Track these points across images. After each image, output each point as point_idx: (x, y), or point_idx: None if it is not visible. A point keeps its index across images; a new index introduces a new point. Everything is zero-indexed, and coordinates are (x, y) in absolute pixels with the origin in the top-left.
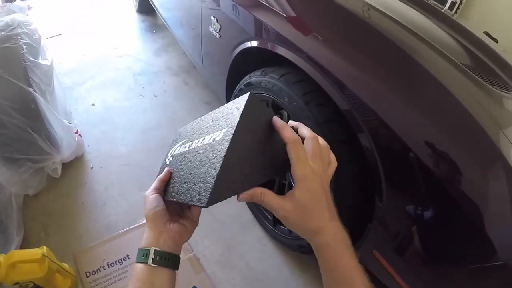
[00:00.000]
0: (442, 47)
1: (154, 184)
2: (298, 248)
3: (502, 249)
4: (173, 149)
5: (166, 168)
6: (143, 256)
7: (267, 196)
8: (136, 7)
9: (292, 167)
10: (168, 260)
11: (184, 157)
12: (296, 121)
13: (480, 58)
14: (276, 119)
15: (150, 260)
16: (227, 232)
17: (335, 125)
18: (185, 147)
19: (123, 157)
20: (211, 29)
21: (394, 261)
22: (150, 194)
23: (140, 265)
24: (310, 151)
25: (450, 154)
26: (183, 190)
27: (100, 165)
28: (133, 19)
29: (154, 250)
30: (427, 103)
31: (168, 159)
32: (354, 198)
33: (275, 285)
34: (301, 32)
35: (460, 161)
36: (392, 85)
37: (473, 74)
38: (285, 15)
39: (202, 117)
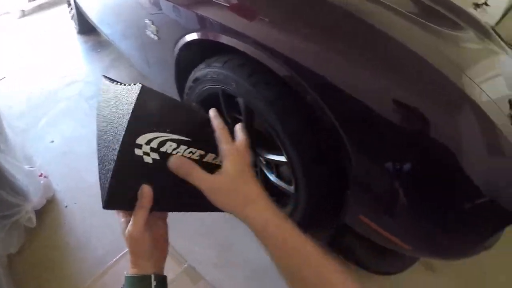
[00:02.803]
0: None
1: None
2: None
3: (484, 186)
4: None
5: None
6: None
7: (196, 169)
8: (77, 29)
9: (219, 146)
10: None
11: (100, 139)
12: (249, 103)
13: (427, 4)
14: (211, 111)
15: None
16: (217, 234)
17: (286, 101)
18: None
19: (94, 186)
20: (148, 32)
21: (382, 221)
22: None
23: None
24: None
25: (413, 105)
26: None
27: (73, 202)
28: (75, 42)
29: (155, 275)
30: (379, 58)
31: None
32: (324, 169)
33: (269, 272)
34: (245, 18)
35: (425, 109)
36: (337, 47)
37: (422, 20)
38: (227, 4)
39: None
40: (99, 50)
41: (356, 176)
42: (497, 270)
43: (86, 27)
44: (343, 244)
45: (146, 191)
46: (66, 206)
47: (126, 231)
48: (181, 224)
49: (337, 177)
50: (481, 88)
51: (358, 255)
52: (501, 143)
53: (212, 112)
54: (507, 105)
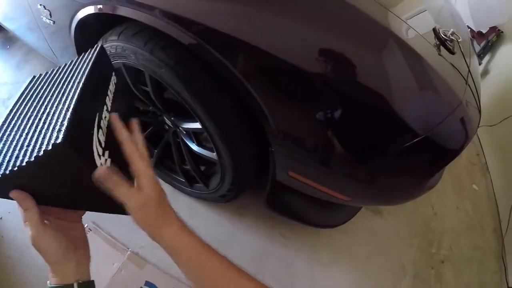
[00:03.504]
0: None
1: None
2: (222, 198)
3: (418, 124)
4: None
5: None
6: None
7: (122, 185)
8: None
9: (130, 162)
10: None
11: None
12: (153, 73)
13: None
14: (113, 119)
15: None
16: None
17: (187, 63)
18: None
19: None
20: (43, 18)
21: (312, 174)
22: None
23: None
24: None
25: (338, 50)
26: None
27: (7, 211)
28: None
29: (78, 284)
30: (294, 4)
31: None
32: (242, 130)
33: (222, 241)
34: None
35: (348, 53)
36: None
37: None
38: None
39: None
40: (8, 46)
41: (275, 131)
42: (445, 204)
43: None
44: (281, 203)
45: (17, 196)
46: (1, 218)
47: (30, 239)
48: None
49: (258, 136)
50: (407, 24)
51: (299, 212)
52: (430, 76)
53: (112, 118)
54: (433, 35)
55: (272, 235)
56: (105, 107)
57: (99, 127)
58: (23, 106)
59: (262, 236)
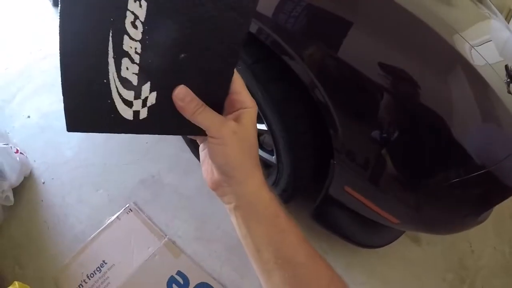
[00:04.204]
0: None
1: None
2: None
3: (479, 156)
4: None
5: None
6: None
7: (206, 109)
8: (51, 2)
9: (235, 92)
10: None
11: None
12: None
13: None
14: None
15: None
16: (196, 206)
17: (265, 64)
18: None
19: (72, 161)
20: None
21: (368, 192)
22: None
23: None
24: None
25: (401, 67)
26: None
27: (51, 177)
28: (50, 15)
29: None
30: (368, 18)
31: None
32: (308, 138)
33: None
34: None
35: (414, 72)
36: (324, 6)
37: None
38: None
39: None
40: None
41: (341, 144)
42: (484, 242)
43: None
44: (328, 216)
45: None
46: (43, 183)
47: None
48: (159, 198)
49: (322, 146)
50: (476, 50)
51: (343, 228)
52: (497, 109)
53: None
54: (504, 71)
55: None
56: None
57: (119, 61)
58: None
59: None
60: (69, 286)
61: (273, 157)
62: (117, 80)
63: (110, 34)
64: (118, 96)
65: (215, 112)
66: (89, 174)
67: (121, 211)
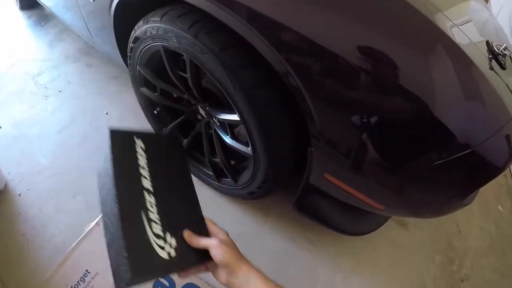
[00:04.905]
0: None
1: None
2: (249, 195)
3: (463, 136)
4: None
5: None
6: None
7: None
8: (18, 5)
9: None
10: None
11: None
12: (194, 58)
13: None
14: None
15: None
16: None
17: (233, 50)
18: None
19: (47, 170)
20: None
21: (350, 179)
22: None
23: None
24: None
25: (380, 48)
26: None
27: (27, 188)
28: (18, 19)
29: None
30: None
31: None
32: (283, 126)
33: (245, 239)
34: None
35: (394, 53)
36: None
37: None
38: None
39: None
40: (43, 23)
41: (318, 131)
42: (470, 223)
43: (27, 2)
44: (311, 206)
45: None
46: (19, 194)
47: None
48: None
49: (297, 134)
50: (459, 29)
51: (327, 217)
52: (481, 86)
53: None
54: (485, 47)
55: (296, 238)
56: (145, 194)
57: (150, 224)
58: None
59: (286, 238)
60: None
61: (249, 148)
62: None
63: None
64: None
65: (207, 237)
66: (65, 181)
67: (100, 216)
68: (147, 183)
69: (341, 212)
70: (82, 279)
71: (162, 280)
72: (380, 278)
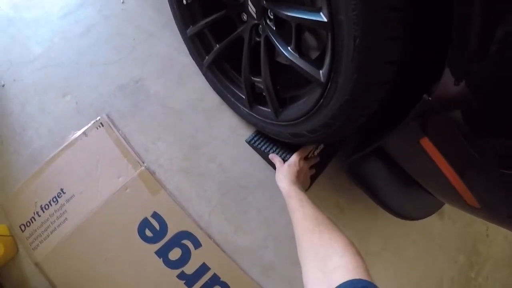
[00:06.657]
0: None
1: None
2: (291, 137)
3: None
4: None
5: None
6: None
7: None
8: None
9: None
10: None
11: None
12: None
13: None
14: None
15: None
16: (187, 126)
17: None
18: None
19: (39, 59)
20: None
21: (461, 159)
22: None
23: None
24: None
25: None
26: None
27: (12, 79)
28: None
29: None
30: None
31: None
32: (397, 46)
33: (264, 190)
34: None
35: None
36: None
37: None
38: None
39: None
40: None
41: (464, 65)
42: (498, 229)
43: None
44: (366, 172)
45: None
46: (3, 85)
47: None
48: (140, 111)
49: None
50: None
51: (380, 189)
52: None
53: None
54: None
55: (328, 202)
56: None
57: None
58: None
59: (316, 200)
60: (20, 219)
61: (320, 71)
62: None
63: None
64: None
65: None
66: (57, 75)
67: (89, 125)
68: None
69: (397, 190)
70: (54, 200)
71: (151, 220)
72: (403, 267)
